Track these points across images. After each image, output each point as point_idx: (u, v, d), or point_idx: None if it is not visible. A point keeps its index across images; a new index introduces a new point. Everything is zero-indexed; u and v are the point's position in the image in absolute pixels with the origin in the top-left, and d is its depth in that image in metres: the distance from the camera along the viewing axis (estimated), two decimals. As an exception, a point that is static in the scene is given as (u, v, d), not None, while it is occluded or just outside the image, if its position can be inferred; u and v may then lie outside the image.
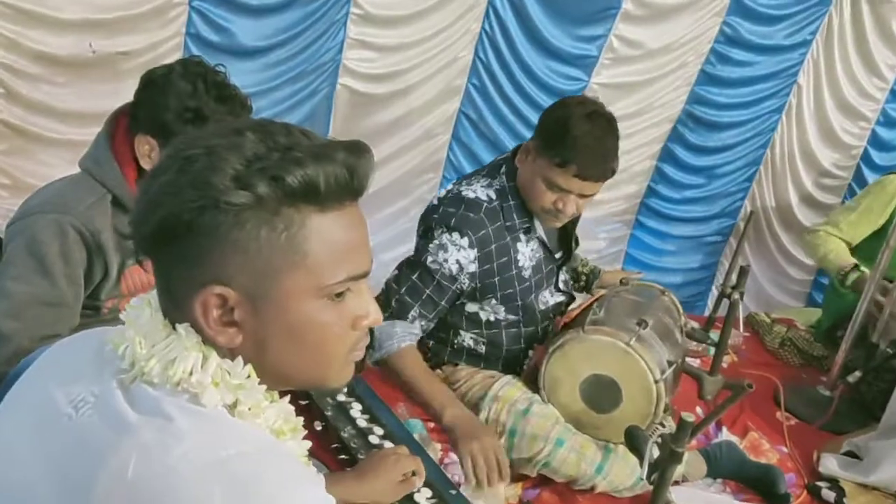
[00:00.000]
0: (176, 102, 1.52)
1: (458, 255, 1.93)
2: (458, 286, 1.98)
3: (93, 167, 1.58)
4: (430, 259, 1.94)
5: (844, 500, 2.03)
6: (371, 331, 1.52)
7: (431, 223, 1.97)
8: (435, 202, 2.04)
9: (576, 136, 1.82)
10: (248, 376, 0.85)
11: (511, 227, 1.99)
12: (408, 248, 2.18)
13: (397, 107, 2.90)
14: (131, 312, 0.88)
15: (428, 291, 1.96)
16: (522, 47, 2.93)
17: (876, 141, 3.62)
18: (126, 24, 2.29)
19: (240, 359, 0.84)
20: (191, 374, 0.81)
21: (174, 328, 0.83)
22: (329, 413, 1.79)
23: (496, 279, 2.01)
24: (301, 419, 0.92)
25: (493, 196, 1.98)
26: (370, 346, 1.94)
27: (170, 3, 2.31)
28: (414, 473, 1.51)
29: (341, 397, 1.84)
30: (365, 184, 0.85)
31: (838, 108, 3.49)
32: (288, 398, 0.90)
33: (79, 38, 2.24)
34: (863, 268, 2.71)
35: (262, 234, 0.79)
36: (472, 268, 1.96)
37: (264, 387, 0.86)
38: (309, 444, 0.93)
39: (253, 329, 0.83)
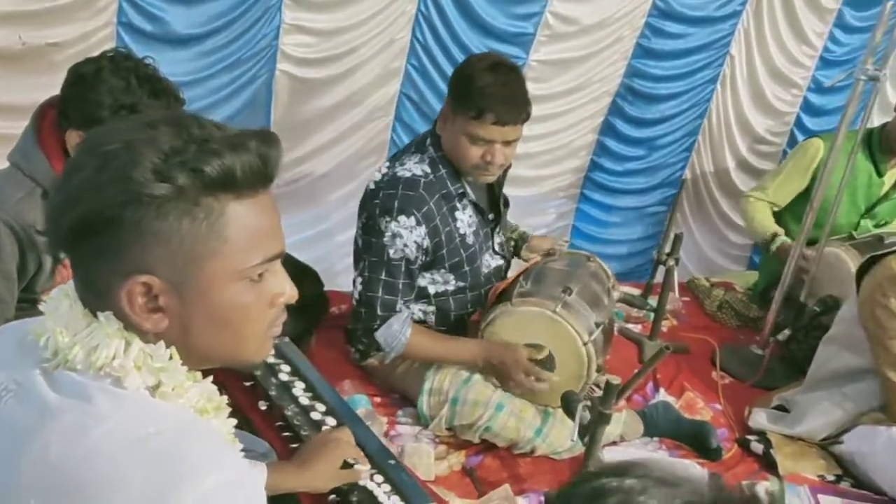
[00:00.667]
0: (109, 99, 1.53)
1: (412, 236, 1.99)
2: (420, 262, 2.05)
3: (21, 161, 1.59)
4: (391, 252, 1.99)
5: (771, 450, 2.13)
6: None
7: (374, 211, 2.01)
8: (372, 187, 2.08)
9: (482, 86, 1.92)
10: (171, 358, 0.88)
11: (447, 195, 2.06)
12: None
13: (338, 91, 2.91)
14: (50, 304, 0.91)
15: (402, 281, 2.03)
16: (459, 27, 2.95)
17: (808, 107, 3.73)
18: (55, 15, 2.26)
19: (161, 343, 0.88)
20: (113, 358, 0.85)
21: (95, 316, 0.87)
22: (273, 393, 1.84)
23: (444, 250, 2.07)
24: (225, 398, 0.96)
25: (428, 170, 2.04)
26: (379, 349, 2.04)
27: (99, -8, 2.28)
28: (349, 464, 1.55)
29: (284, 377, 1.89)
30: (276, 171, 0.90)
31: (770, 76, 3.58)
32: (211, 378, 0.94)
33: (7, 30, 2.22)
34: (780, 238, 2.84)
35: (183, 224, 0.83)
36: (426, 243, 2.02)
37: (186, 368, 0.90)
38: (234, 421, 0.97)
39: (178, 313, 0.87)
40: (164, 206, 0.81)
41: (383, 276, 2.02)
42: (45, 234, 0.87)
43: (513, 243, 2.50)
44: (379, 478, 1.58)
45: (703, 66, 3.44)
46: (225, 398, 0.95)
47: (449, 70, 3.00)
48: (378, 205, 2.01)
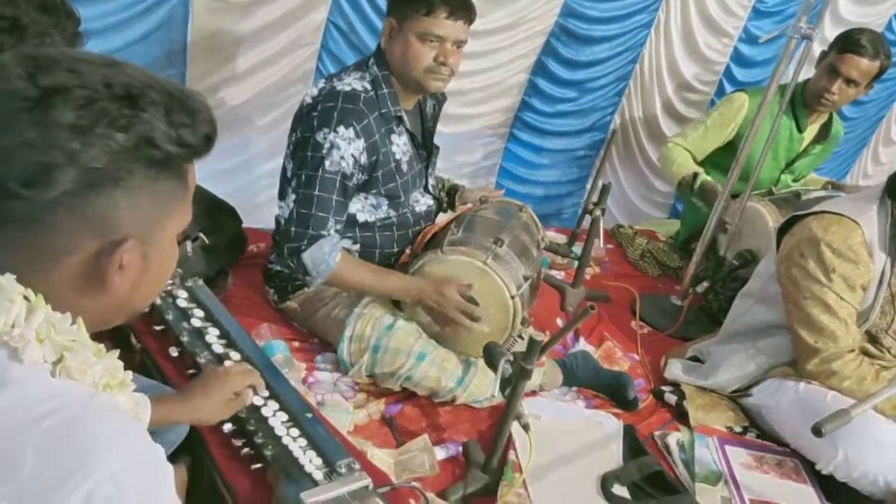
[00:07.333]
0: None
1: (349, 148, 1.93)
2: (356, 180, 1.99)
3: None
4: (327, 164, 1.92)
5: (684, 402, 2.18)
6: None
7: (312, 124, 1.94)
8: (309, 101, 2.01)
9: None
10: (78, 329, 0.82)
11: (386, 115, 2.01)
12: (282, 159, 2.12)
13: (261, 14, 2.74)
14: None
15: (335, 197, 1.95)
16: (392, -47, 2.80)
17: (738, 57, 3.74)
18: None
19: (68, 314, 0.81)
20: (13, 326, 0.77)
21: None
22: (185, 339, 1.76)
23: (380, 172, 2.02)
24: (129, 373, 0.90)
25: (368, 87, 2.00)
26: (306, 274, 1.94)
27: None
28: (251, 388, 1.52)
29: (197, 322, 1.81)
30: None
31: (703, 24, 3.56)
32: (116, 353, 0.88)
33: None
34: (702, 176, 2.85)
35: (170, 185, 0.82)
36: (363, 159, 1.97)
37: (93, 344, 0.84)
38: (139, 396, 0.92)
39: (134, 272, 0.83)
40: (168, 168, 0.81)
41: (317, 192, 1.94)
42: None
43: (444, 196, 2.44)
44: (295, 431, 1.54)
45: (639, 9, 3.39)
46: (129, 373, 0.90)
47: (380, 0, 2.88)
48: (316, 117, 1.94)
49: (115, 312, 0.88)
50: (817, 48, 3.61)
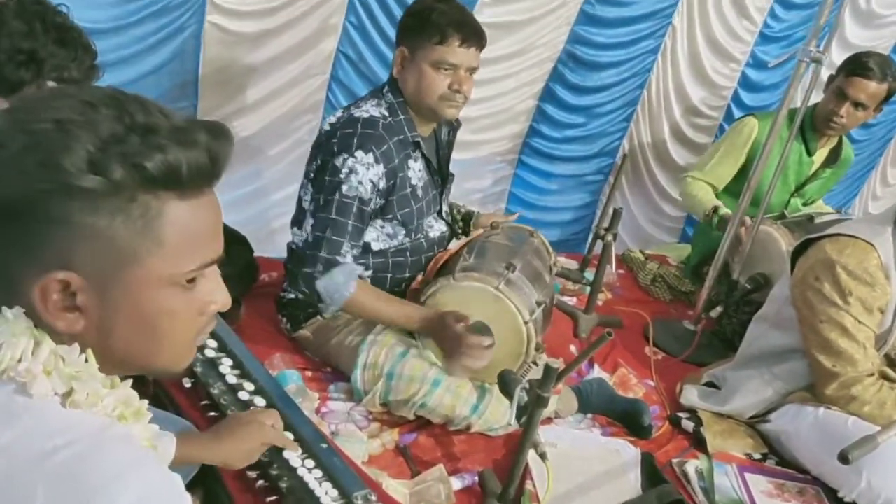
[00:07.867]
0: (8, 43, 1.41)
1: (368, 174, 1.93)
2: (374, 205, 1.99)
3: None
4: (344, 188, 1.92)
5: (701, 429, 2.15)
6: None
7: (332, 149, 1.95)
8: (327, 128, 2.03)
9: (441, 12, 1.95)
10: (87, 361, 0.80)
11: (404, 140, 2.02)
12: (294, 187, 2.13)
13: (271, 46, 2.77)
14: None
15: (351, 222, 1.95)
16: (400, -16, 2.84)
17: (745, 82, 3.75)
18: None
19: (76, 345, 0.79)
20: (19, 361, 0.76)
21: None
22: (198, 369, 1.75)
23: (396, 196, 2.02)
24: (145, 402, 0.88)
25: (386, 113, 2.02)
26: (319, 301, 1.95)
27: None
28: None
29: (211, 353, 1.80)
30: (224, 169, 0.81)
31: (710, 49, 3.58)
32: (129, 382, 0.86)
33: None
34: (722, 210, 2.84)
35: (115, 222, 0.75)
36: (382, 184, 1.97)
37: (102, 374, 0.82)
38: (156, 427, 0.90)
39: (98, 315, 0.79)
40: (96, 201, 0.73)
41: (333, 216, 1.94)
42: None
43: (460, 222, 2.44)
44: (310, 463, 1.53)
45: (646, 35, 3.41)
46: (145, 402, 0.88)
47: (389, 29, 2.91)
48: (336, 143, 1.95)
49: (100, 363, 0.82)
50: (825, 72, 3.64)
